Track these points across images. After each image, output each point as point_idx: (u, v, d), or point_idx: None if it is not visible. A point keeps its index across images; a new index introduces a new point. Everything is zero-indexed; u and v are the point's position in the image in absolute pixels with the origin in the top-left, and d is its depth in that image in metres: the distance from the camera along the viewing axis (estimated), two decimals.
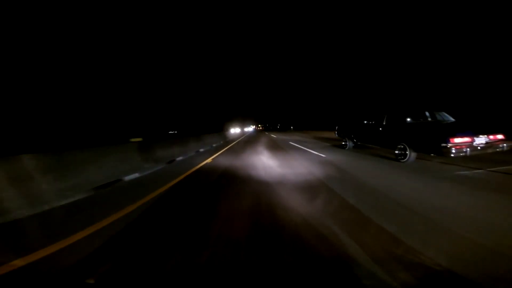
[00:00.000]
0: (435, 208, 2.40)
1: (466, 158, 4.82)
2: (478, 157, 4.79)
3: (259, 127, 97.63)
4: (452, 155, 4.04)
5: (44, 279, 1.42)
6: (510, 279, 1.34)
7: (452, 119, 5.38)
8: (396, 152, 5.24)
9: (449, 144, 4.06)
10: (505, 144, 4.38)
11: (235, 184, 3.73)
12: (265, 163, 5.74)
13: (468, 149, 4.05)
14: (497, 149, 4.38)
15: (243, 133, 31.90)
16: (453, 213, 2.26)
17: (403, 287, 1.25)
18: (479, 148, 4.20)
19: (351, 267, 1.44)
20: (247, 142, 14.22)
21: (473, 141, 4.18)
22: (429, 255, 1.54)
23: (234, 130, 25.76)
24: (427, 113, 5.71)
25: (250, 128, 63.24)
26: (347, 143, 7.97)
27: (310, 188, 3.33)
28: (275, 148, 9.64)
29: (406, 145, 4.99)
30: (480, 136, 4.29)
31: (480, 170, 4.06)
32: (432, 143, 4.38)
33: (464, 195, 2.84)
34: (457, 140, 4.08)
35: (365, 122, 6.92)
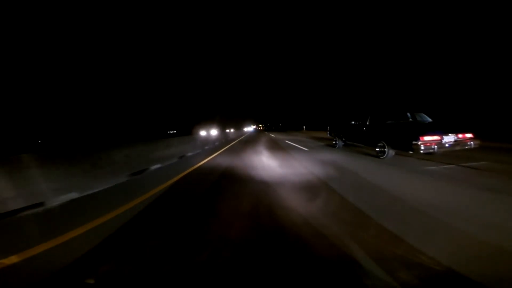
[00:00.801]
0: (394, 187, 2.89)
1: (445, 154, 5.34)
2: (456, 154, 5.28)
3: (260, 126, 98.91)
4: (421, 151, 4.51)
5: (45, 276, 1.48)
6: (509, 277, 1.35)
7: (429, 120, 5.84)
8: (377, 149, 5.71)
9: (419, 142, 4.52)
10: (472, 142, 4.84)
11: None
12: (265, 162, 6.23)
13: (435, 146, 4.51)
14: (466, 147, 4.84)
15: (239, 134, 25.31)
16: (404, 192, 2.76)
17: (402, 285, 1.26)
18: (447, 145, 4.66)
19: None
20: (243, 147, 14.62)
21: (441, 139, 4.63)
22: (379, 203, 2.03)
23: (207, 132, 13.03)
24: (408, 114, 6.17)
25: (250, 128, 63.97)
26: (337, 142, 8.44)
27: (301, 177, 3.85)
28: (274, 148, 10.14)
29: (385, 143, 5.45)
30: (449, 135, 4.75)
31: (447, 166, 4.50)
32: (404, 141, 4.84)
33: (421, 181, 3.35)
34: (426, 138, 4.54)
35: (352, 122, 7.39)
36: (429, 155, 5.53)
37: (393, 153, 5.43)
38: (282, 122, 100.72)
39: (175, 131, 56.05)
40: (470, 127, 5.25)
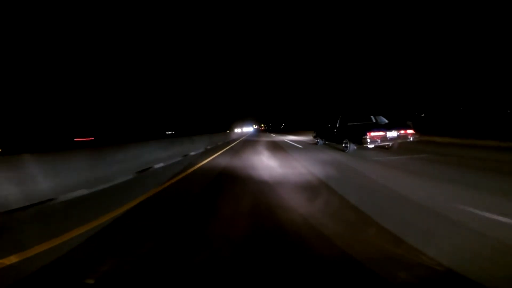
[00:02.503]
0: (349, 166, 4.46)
1: (400, 149, 6.81)
2: (409, 149, 6.74)
3: (262, 126, 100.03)
4: (368, 144, 6.04)
5: (44, 275, 1.54)
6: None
7: (386, 121, 7.40)
8: (343, 145, 7.26)
9: (367, 137, 6.03)
10: (411, 137, 6.38)
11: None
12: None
13: (379, 140, 6.04)
14: (406, 140, 6.38)
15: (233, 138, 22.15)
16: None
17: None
18: (389, 139, 6.19)
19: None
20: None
21: (385, 134, 6.16)
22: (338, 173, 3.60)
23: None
24: (372, 117, 7.80)
25: (250, 128, 62.39)
26: (319, 141, 10.13)
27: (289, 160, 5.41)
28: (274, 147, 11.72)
29: (348, 140, 6.99)
30: (393, 131, 6.28)
31: (394, 157, 5.90)
32: (358, 137, 6.37)
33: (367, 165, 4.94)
34: (372, 134, 6.05)
35: (329, 125, 8.94)
36: (388, 150, 7.02)
37: (355, 147, 6.94)
38: (285, 122, 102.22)
39: (173, 132, 57.93)
40: (415, 125, 6.78)
